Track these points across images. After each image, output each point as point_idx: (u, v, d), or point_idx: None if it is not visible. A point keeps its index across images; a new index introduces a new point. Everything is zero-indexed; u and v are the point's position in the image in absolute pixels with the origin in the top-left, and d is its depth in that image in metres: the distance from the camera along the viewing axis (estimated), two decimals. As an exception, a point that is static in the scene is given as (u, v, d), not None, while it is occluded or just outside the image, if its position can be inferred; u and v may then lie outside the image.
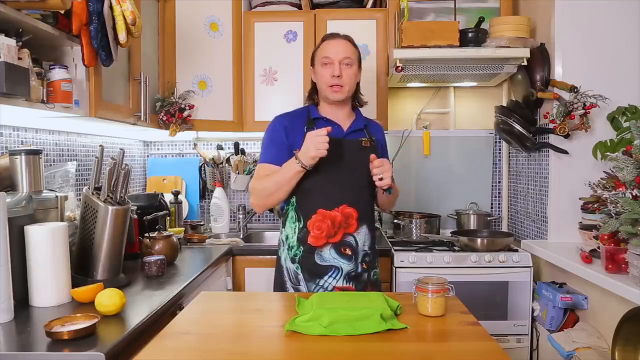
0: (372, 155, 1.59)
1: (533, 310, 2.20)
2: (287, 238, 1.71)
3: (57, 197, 1.55)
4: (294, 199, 1.69)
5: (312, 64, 1.76)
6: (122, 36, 1.64)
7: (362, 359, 1.03)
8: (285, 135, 1.69)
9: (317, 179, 1.63)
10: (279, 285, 1.73)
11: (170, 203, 2.63)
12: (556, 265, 1.97)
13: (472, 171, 2.86)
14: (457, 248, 2.35)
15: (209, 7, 2.56)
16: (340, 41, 1.70)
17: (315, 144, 1.51)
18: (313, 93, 1.78)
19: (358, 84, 1.77)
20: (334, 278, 1.65)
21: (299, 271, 1.67)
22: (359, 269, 1.67)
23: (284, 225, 1.74)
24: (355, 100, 1.79)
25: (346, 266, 1.65)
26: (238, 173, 2.79)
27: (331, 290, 1.64)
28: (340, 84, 1.66)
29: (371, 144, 1.72)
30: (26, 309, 1.34)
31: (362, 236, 1.67)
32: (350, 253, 1.65)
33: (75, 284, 1.45)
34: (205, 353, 1.05)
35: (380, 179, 1.56)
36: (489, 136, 2.85)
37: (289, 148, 1.65)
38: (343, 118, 1.75)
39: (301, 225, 1.67)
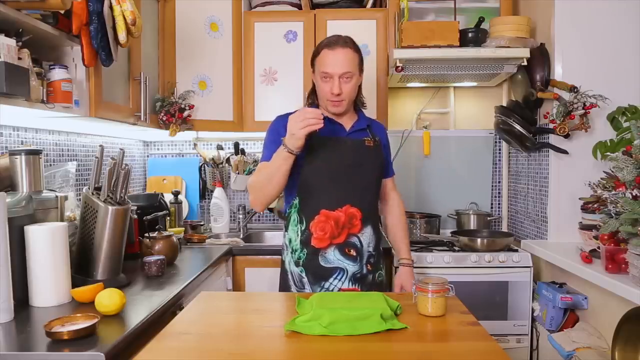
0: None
1: (533, 310, 2.20)
2: (290, 241, 1.70)
3: (57, 197, 1.55)
4: (296, 201, 1.68)
5: (312, 68, 1.72)
6: (122, 36, 1.64)
7: (362, 359, 1.03)
8: (283, 134, 1.69)
9: (320, 179, 1.63)
10: (284, 289, 1.71)
11: (170, 203, 2.63)
12: (556, 265, 1.97)
13: (472, 171, 2.86)
14: (457, 248, 2.35)
15: (209, 7, 2.55)
16: (340, 52, 1.60)
17: (298, 124, 1.45)
18: (313, 94, 1.76)
19: (360, 86, 1.75)
20: (339, 280, 1.63)
21: (304, 274, 1.65)
22: (364, 270, 1.66)
23: (287, 229, 1.72)
24: (355, 102, 1.77)
25: (351, 267, 1.64)
26: (238, 173, 2.78)
27: None
28: (340, 100, 1.64)
29: (374, 144, 1.71)
30: (26, 309, 1.34)
31: (366, 237, 1.66)
32: (354, 254, 1.64)
33: (75, 284, 1.45)
34: (205, 353, 1.05)
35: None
36: (489, 136, 2.85)
37: None
38: (345, 118, 1.74)
39: (303, 228, 1.65)
